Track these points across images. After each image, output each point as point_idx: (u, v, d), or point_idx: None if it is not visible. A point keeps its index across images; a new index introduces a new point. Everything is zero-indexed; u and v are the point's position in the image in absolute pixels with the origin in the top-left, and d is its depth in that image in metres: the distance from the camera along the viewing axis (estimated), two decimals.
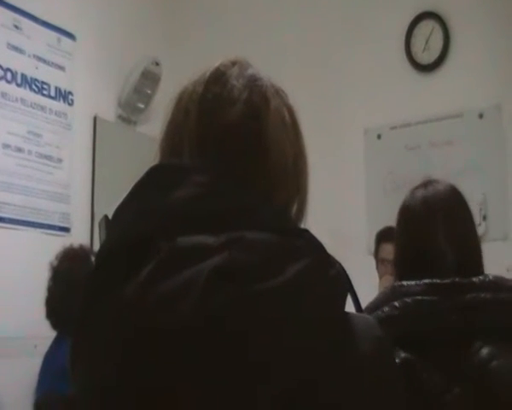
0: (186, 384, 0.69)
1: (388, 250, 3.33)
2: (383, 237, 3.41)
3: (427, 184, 1.56)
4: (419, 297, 1.38)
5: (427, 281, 1.40)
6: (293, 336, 0.71)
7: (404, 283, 1.42)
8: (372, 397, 0.77)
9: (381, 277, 3.39)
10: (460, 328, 1.36)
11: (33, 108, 3.60)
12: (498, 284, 1.41)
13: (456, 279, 1.41)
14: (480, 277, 1.42)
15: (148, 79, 4.17)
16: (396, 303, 1.39)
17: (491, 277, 1.42)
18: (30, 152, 3.56)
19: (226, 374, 0.68)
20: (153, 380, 0.69)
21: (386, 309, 1.40)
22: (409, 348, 1.35)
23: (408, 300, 1.38)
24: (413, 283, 1.41)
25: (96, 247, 0.83)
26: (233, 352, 0.69)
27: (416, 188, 1.56)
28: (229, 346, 0.69)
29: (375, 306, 1.43)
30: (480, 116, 3.71)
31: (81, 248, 2.88)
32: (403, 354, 1.34)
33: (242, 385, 0.69)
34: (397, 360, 1.32)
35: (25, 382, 2.98)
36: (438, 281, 1.40)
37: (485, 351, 1.33)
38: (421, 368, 1.34)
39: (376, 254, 3.45)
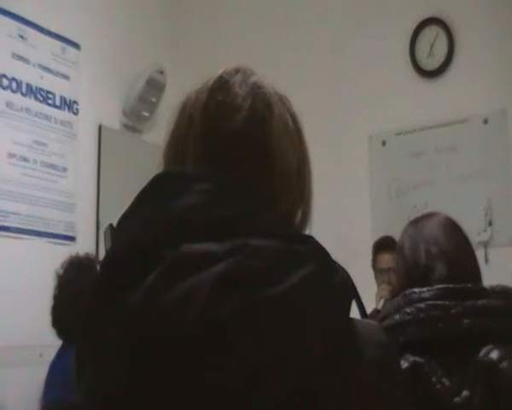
0: (188, 393, 0.69)
1: (385, 260, 3.33)
2: (380, 246, 3.41)
3: (421, 218, 1.60)
4: (431, 302, 1.38)
5: (439, 286, 1.41)
6: (297, 343, 0.71)
7: (416, 289, 1.42)
8: (376, 404, 0.77)
9: (379, 286, 3.39)
10: (471, 332, 1.36)
11: (38, 117, 3.61)
12: (508, 292, 1.43)
13: (469, 285, 1.42)
14: (491, 285, 1.43)
15: (153, 88, 4.19)
16: (408, 309, 1.39)
17: (500, 285, 1.44)
18: (35, 161, 3.57)
19: (228, 383, 0.68)
20: (157, 388, 0.69)
21: (397, 317, 1.40)
22: (419, 352, 1.35)
23: (421, 305, 1.38)
24: (425, 289, 1.41)
25: (102, 255, 0.83)
26: (234, 360, 0.69)
27: (409, 224, 1.60)
28: (232, 354, 0.69)
29: (385, 314, 1.43)
30: (485, 122, 3.71)
31: (86, 256, 2.88)
32: (412, 358, 1.34)
33: (244, 394, 0.69)
34: (406, 364, 1.32)
35: (30, 391, 2.98)
36: (451, 286, 1.40)
37: (495, 353, 1.34)
38: (430, 371, 1.34)
39: (374, 264, 3.45)
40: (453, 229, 1.56)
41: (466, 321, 1.36)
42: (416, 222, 1.59)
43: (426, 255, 1.50)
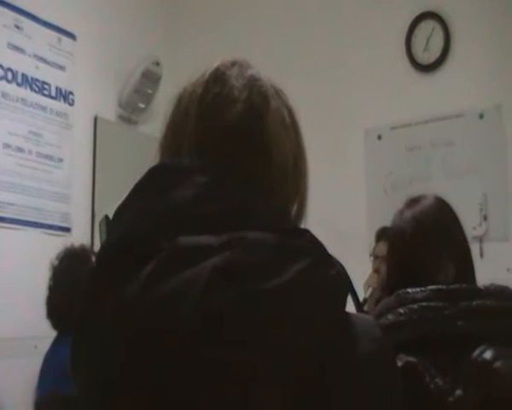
0: (183, 386, 0.69)
1: (380, 248, 3.36)
2: (378, 235, 3.43)
3: (413, 201, 1.57)
4: (425, 303, 1.38)
5: (432, 287, 1.40)
6: (292, 336, 0.71)
7: (409, 290, 1.42)
8: (370, 397, 0.77)
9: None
10: (466, 333, 1.36)
11: (34, 107, 3.60)
12: (503, 291, 1.42)
13: (463, 285, 1.41)
14: (485, 284, 1.43)
15: (149, 79, 4.17)
16: (401, 310, 1.39)
17: (494, 285, 1.43)
18: (30, 152, 3.56)
19: (224, 376, 0.68)
20: (153, 380, 0.69)
21: (390, 317, 1.40)
22: (412, 352, 1.35)
23: (414, 306, 1.38)
24: (418, 289, 1.40)
25: (97, 247, 0.83)
26: (231, 354, 0.69)
27: (404, 208, 1.57)
28: (228, 347, 0.69)
29: (378, 314, 1.43)
30: (481, 116, 3.71)
31: (82, 247, 2.87)
32: (405, 358, 1.34)
33: (241, 387, 0.69)
34: (400, 364, 1.32)
35: (25, 382, 2.98)
36: (444, 287, 1.40)
37: (488, 353, 1.34)
38: (423, 371, 1.34)
39: (373, 252, 3.49)
40: (454, 217, 1.56)
41: (460, 323, 1.36)
42: (411, 206, 1.57)
43: (429, 253, 1.49)
